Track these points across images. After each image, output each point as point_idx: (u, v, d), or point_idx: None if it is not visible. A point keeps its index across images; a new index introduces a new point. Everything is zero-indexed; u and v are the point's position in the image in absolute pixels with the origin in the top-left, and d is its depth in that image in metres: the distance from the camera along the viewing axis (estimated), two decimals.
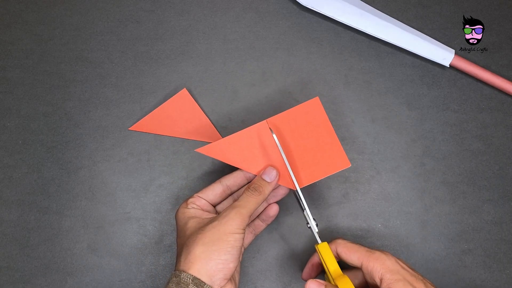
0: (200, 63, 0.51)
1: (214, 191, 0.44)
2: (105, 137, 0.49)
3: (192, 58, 0.51)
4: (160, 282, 0.47)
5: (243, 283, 0.47)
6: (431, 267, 0.47)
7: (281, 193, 0.44)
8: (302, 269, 0.47)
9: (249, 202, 0.40)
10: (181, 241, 0.40)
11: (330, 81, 0.51)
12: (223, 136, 0.49)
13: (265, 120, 0.43)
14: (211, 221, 0.39)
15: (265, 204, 0.45)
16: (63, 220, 0.48)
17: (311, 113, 0.43)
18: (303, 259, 0.47)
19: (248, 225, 0.45)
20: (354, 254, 0.40)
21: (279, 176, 0.43)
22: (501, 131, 0.50)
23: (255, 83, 0.51)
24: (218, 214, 0.40)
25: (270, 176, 0.42)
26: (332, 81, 0.51)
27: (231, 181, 0.44)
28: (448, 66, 0.50)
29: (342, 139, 0.50)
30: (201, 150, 0.42)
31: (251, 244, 0.47)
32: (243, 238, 0.39)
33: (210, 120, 0.49)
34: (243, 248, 0.45)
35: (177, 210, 0.43)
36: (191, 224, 0.40)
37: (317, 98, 0.44)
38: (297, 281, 0.47)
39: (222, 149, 0.42)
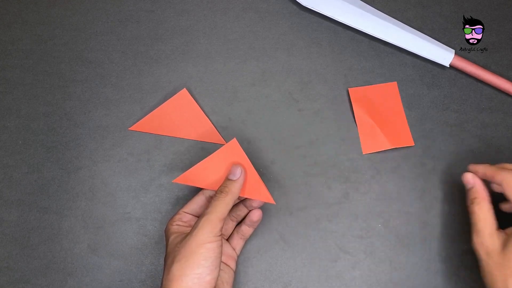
0: (200, 63, 0.51)
1: (198, 204, 0.44)
2: (105, 137, 0.49)
3: (192, 58, 0.51)
4: (160, 282, 0.47)
5: (243, 283, 0.47)
6: (432, 268, 0.47)
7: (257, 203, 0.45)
8: (302, 269, 0.47)
9: (217, 206, 0.39)
10: (165, 258, 0.40)
11: (330, 81, 0.51)
12: (223, 136, 0.49)
13: (234, 138, 0.43)
14: (186, 235, 0.39)
15: (246, 210, 0.45)
16: (63, 220, 0.48)
17: (388, 93, 0.50)
18: (303, 259, 0.47)
19: (236, 231, 0.46)
20: None
21: (245, 175, 0.42)
22: (501, 131, 0.50)
23: (255, 83, 0.51)
24: None
25: (235, 174, 0.41)
26: (332, 81, 0.51)
27: (213, 191, 0.44)
28: (448, 66, 0.50)
29: (342, 139, 0.50)
30: (178, 180, 0.43)
31: (251, 244, 0.47)
32: (219, 246, 0.38)
33: (210, 120, 0.49)
34: (236, 254, 0.45)
35: (165, 227, 0.43)
36: (172, 241, 0.40)
37: (395, 83, 0.49)
38: (297, 281, 0.47)
39: (198, 175, 0.43)
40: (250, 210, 0.45)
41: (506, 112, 0.50)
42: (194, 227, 0.39)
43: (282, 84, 0.51)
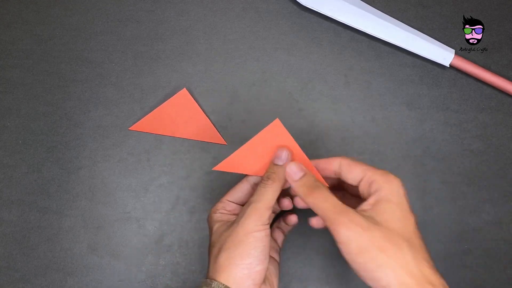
0: (200, 63, 0.51)
1: (243, 192, 0.41)
2: (105, 137, 0.49)
3: (192, 58, 0.51)
4: (160, 282, 0.47)
5: None
6: None
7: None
8: (301, 269, 0.47)
9: (264, 194, 0.36)
10: (209, 248, 0.38)
11: (330, 81, 0.51)
12: (223, 136, 0.49)
13: (276, 118, 0.40)
14: (232, 224, 0.37)
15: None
16: (63, 220, 0.48)
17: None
18: (303, 259, 0.47)
19: (276, 225, 0.44)
20: (358, 167, 0.37)
21: (292, 156, 0.39)
22: (501, 131, 0.50)
23: (255, 83, 0.51)
24: None
25: (282, 158, 0.38)
26: (332, 81, 0.51)
27: (258, 178, 0.40)
28: (448, 66, 0.50)
29: (342, 139, 0.50)
30: (218, 167, 0.40)
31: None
32: (268, 235, 0.35)
33: (210, 120, 0.49)
34: (278, 247, 0.43)
35: (208, 215, 0.41)
36: (216, 230, 0.38)
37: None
38: (297, 281, 0.47)
39: (240, 161, 0.40)
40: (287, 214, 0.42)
41: (506, 112, 0.50)
42: (240, 215, 0.36)
43: (282, 84, 0.51)
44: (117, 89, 0.50)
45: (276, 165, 0.38)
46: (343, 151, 0.49)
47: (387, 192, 0.35)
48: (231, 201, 0.41)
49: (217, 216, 0.39)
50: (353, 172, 0.37)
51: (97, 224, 0.48)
